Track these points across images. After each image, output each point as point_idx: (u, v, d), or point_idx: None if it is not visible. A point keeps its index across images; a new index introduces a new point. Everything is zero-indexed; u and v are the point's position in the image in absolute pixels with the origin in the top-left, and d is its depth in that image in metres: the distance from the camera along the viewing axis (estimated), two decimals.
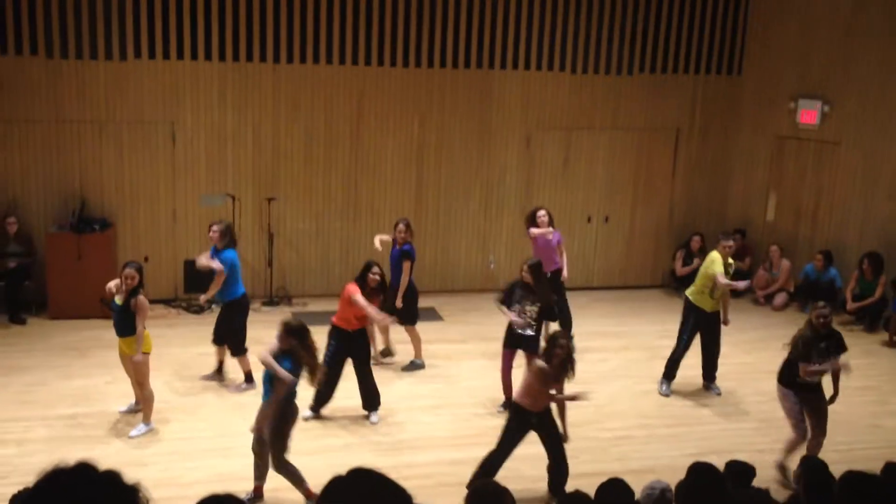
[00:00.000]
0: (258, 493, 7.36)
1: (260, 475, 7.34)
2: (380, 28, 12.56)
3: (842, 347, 8.03)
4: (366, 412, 9.08)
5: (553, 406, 7.58)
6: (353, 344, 8.93)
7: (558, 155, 13.61)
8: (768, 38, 13.82)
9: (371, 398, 9.07)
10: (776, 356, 10.79)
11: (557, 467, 7.57)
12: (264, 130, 12.51)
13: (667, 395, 9.87)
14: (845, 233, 13.08)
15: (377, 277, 8.90)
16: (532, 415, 7.43)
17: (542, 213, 10.97)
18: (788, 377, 8.01)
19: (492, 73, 13.09)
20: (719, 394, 9.91)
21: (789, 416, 8.07)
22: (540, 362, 7.40)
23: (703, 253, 13.89)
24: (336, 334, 8.94)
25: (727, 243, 9.69)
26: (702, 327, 9.81)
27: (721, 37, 13.94)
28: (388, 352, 10.65)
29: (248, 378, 9.62)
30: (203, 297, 9.87)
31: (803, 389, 7.97)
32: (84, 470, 2.01)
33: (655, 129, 13.95)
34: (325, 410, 9.01)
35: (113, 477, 2.03)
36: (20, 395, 9.30)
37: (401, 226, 10.25)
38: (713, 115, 14.14)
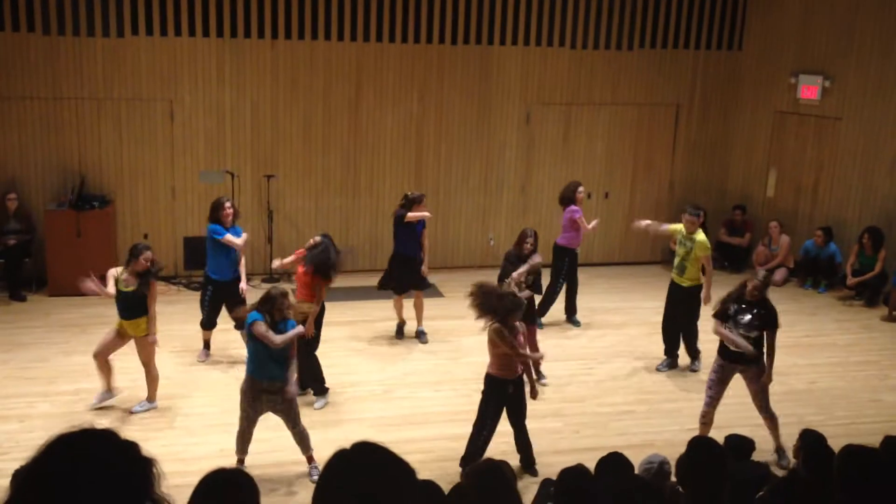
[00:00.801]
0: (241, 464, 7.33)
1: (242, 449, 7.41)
2: (378, 3, 12.49)
3: (772, 324, 7.70)
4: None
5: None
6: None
7: (558, 131, 13.59)
8: (769, 13, 13.75)
9: (314, 381, 8.93)
10: None
11: (522, 439, 7.52)
12: (263, 107, 12.48)
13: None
14: (845, 208, 13.07)
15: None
16: (509, 383, 7.31)
17: (581, 188, 11.16)
18: (721, 345, 7.89)
19: (491, 48, 13.03)
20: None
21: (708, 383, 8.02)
22: (494, 324, 7.29)
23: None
24: None
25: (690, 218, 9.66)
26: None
27: (721, 12, 13.88)
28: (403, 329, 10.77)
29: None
30: (244, 286, 9.78)
31: (735, 360, 7.78)
32: (106, 434, 2.07)
33: (655, 105, 13.91)
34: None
35: (131, 445, 2.07)
36: (22, 372, 9.33)
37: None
38: (713, 90, 14.10)
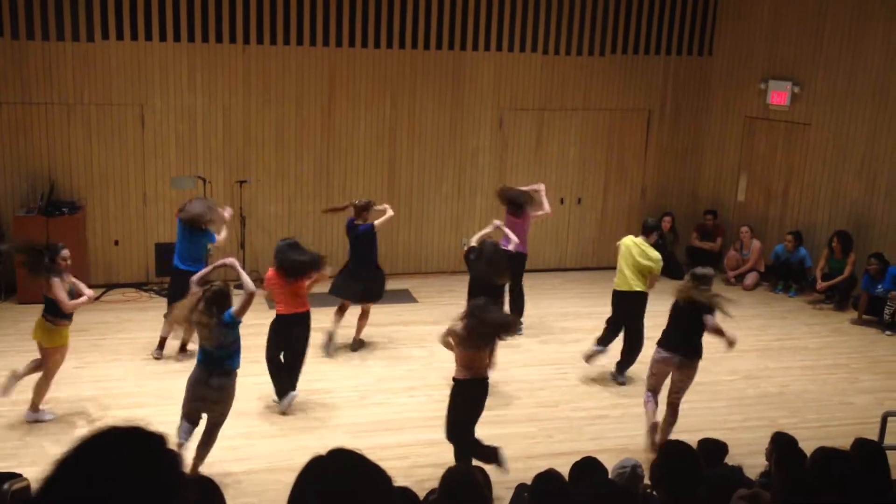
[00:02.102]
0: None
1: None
2: (351, 8, 12.47)
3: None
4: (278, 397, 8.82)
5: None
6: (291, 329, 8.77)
7: (531, 136, 13.63)
8: (739, 19, 13.88)
9: (290, 381, 8.88)
10: (747, 335, 10.93)
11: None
12: (235, 112, 12.41)
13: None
14: (815, 212, 13.20)
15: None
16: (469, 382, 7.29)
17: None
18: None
19: (464, 54, 13.05)
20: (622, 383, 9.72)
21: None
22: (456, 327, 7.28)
23: (675, 233, 14.02)
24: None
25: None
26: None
27: (692, 18, 13.98)
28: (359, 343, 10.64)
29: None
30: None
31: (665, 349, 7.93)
32: (159, 441, 2.07)
33: (627, 110, 13.99)
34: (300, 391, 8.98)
35: (173, 456, 2.08)
36: None
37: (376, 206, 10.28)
38: (684, 95, 14.20)
